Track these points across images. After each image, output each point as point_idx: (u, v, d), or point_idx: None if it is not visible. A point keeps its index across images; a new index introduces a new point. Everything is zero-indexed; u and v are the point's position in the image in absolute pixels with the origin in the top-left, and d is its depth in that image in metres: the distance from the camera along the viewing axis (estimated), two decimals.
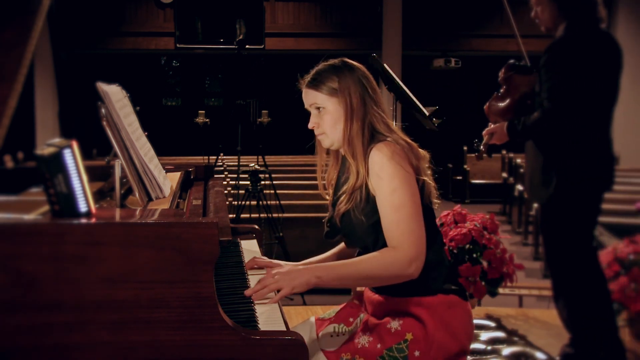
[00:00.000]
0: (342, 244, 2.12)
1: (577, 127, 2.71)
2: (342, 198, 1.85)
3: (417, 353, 1.75)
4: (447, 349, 1.77)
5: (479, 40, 10.59)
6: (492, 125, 2.95)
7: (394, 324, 1.79)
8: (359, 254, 1.90)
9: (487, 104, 2.99)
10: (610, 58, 2.76)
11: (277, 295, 1.72)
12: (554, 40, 2.76)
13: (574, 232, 2.79)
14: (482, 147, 3.00)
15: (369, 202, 1.79)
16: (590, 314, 2.80)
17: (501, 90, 2.97)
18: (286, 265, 1.95)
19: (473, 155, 3.07)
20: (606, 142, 2.78)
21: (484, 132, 2.98)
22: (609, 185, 2.81)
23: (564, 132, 2.71)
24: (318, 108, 1.89)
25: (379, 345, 1.77)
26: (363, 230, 1.81)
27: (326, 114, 1.87)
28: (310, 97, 1.90)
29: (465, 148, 10.66)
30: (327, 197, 2.02)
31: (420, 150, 1.87)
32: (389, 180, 1.75)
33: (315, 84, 1.89)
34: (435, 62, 10.77)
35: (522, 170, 8.42)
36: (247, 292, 1.73)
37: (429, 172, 1.88)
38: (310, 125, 1.92)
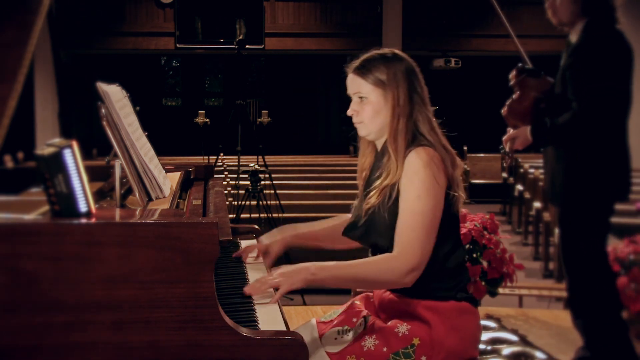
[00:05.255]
0: (338, 219, 2.10)
1: (603, 131, 2.69)
2: (372, 192, 1.83)
3: (423, 358, 1.74)
4: (456, 355, 1.76)
5: (479, 40, 10.59)
6: (513, 131, 2.88)
7: (402, 328, 1.77)
8: (373, 254, 1.88)
9: (506, 108, 2.91)
10: (628, 59, 2.74)
11: (276, 293, 1.72)
12: (578, 43, 2.72)
13: (590, 234, 2.78)
14: (509, 154, 2.90)
15: (396, 202, 1.78)
16: (601, 319, 2.78)
17: (515, 95, 2.92)
18: (284, 266, 1.91)
19: (501, 156, 2.96)
20: (625, 151, 2.75)
21: (504, 138, 2.90)
22: (625, 195, 2.78)
23: (592, 135, 2.69)
24: (361, 97, 1.86)
25: (385, 349, 1.75)
26: (384, 228, 1.79)
27: (368, 104, 1.84)
28: (356, 85, 1.86)
29: (465, 148, 10.65)
30: (360, 183, 1.99)
31: (457, 158, 1.85)
32: (418, 185, 1.74)
33: (362, 72, 1.85)
34: (435, 62, 10.76)
35: (522, 170, 8.42)
36: (245, 289, 1.74)
37: (461, 181, 1.87)
38: (349, 112, 1.89)
